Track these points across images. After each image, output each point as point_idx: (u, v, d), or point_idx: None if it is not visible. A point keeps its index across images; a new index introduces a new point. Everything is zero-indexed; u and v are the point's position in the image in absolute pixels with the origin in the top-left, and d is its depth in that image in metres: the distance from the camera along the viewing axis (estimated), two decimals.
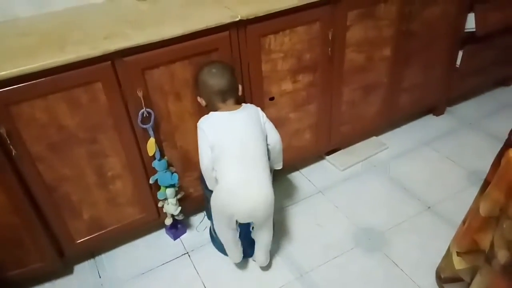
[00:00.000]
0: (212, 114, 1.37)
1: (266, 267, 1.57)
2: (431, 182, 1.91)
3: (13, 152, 1.25)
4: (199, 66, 1.39)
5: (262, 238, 1.48)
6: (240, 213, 1.36)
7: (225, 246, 1.53)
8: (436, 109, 2.33)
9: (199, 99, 1.42)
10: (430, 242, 1.62)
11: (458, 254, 1.22)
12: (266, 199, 1.36)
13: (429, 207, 1.78)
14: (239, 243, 1.50)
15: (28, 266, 1.47)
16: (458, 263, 1.22)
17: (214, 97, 1.36)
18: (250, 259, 1.61)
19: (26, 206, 1.35)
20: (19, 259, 1.45)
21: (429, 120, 2.33)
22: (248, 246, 1.55)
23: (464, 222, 1.24)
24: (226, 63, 1.40)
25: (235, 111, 1.36)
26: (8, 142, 1.23)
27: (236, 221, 1.41)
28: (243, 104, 1.40)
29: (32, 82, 1.20)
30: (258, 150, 1.35)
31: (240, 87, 1.43)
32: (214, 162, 1.35)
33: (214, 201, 1.39)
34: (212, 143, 1.33)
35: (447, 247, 1.33)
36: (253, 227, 1.47)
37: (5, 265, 1.43)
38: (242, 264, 1.59)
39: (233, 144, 1.33)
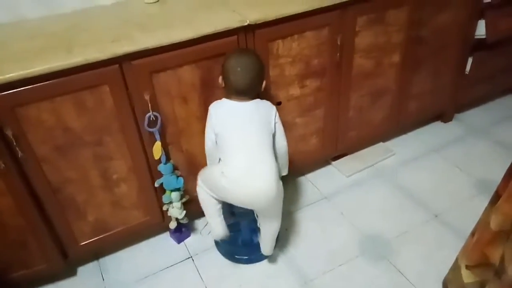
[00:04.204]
0: (223, 100, 1.37)
1: (271, 258, 1.58)
2: (438, 190, 1.89)
3: (19, 154, 1.25)
4: (228, 54, 1.35)
5: (266, 228, 1.47)
6: (238, 201, 1.35)
7: (207, 216, 1.50)
8: (444, 116, 2.31)
9: (220, 79, 1.38)
10: (437, 252, 1.60)
11: (467, 267, 1.20)
12: (269, 190, 1.31)
13: (436, 216, 1.76)
14: (222, 216, 1.48)
15: (32, 267, 1.47)
16: (467, 277, 1.20)
17: (231, 89, 1.34)
18: (254, 265, 1.60)
19: (31, 207, 1.35)
20: (23, 260, 1.44)
21: (437, 127, 2.30)
22: (255, 250, 1.56)
23: (473, 234, 1.22)
24: (255, 59, 1.34)
25: (245, 102, 1.34)
26: (15, 144, 1.22)
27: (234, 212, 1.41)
28: (257, 99, 1.37)
29: (39, 84, 1.19)
30: (262, 141, 1.33)
31: (264, 83, 1.38)
32: (219, 151, 1.36)
33: (210, 174, 1.39)
34: (216, 128, 1.34)
35: (454, 257, 1.32)
36: (257, 215, 1.46)
37: (9, 266, 1.43)
38: (246, 271, 1.58)
39: (235, 132, 1.33)
